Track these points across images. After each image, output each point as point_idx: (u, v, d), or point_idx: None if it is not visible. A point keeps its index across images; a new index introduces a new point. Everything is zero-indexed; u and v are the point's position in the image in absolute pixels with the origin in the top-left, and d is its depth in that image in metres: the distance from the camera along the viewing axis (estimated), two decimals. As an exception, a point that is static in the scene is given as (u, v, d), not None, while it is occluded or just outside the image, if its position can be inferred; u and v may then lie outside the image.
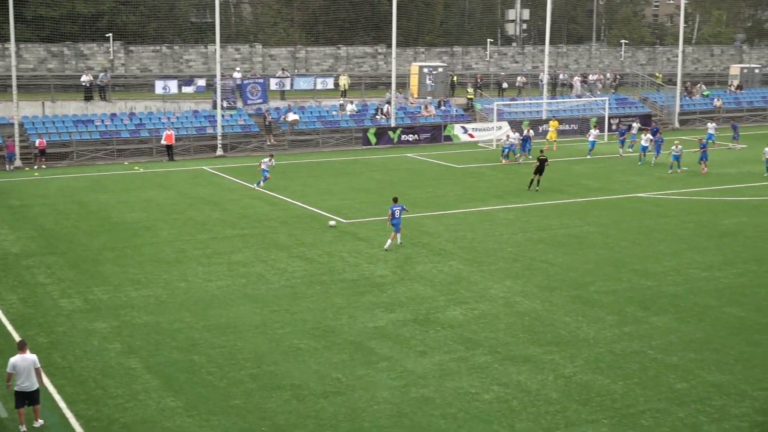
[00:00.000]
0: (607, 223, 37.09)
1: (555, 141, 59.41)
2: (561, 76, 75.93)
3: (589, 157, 55.19)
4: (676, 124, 70.53)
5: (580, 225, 36.68)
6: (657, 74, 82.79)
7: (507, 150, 53.52)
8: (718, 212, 38.98)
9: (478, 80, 73.09)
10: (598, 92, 73.73)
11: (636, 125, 59.60)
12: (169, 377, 21.00)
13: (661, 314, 25.46)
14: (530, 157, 53.30)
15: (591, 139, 56.68)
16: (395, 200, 33.38)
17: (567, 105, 69.33)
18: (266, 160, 45.42)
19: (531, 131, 56.89)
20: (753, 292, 27.51)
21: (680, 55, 73.30)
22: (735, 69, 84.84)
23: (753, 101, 77.51)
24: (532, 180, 44.17)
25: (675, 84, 73.44)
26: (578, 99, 70.35)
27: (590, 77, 76.22)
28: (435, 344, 23.10)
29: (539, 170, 43.91)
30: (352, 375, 21.12)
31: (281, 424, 18.67)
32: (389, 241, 32.90)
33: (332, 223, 36.54)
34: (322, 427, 18.54)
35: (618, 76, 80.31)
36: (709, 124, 59.90)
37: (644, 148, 52.97)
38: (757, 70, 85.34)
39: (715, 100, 75.17)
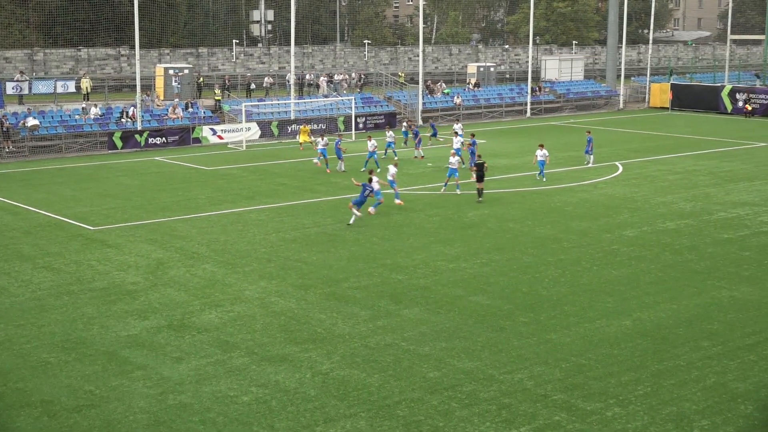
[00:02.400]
0: (358, 219, 37.77)
1: (302, 143, 58.68)
2: (307, 77, 76.72)
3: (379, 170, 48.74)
4: (420, 122, 72.72)
5: (332, 223, 37.17)
6: (400, 73, 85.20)
7: (326, 156, 49.43)
8: (461, 205, 40.54)
9: (226, 81, 72.65)
10: (344, 92, 74.99)
11: (457, 125, 55.95)
12: None
13: (412, 306, 26.22)
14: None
15: (370, 150, 49.19)
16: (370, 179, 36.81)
17: (314, 105, 70.08)
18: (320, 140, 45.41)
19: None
20: (496, 281, 28.85)
21: (421, 54, 75.76)
22: (472, 67, 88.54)
23: (490, 98, 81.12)
24: (480, 190, 41.21)
25: (417, 83, 75.79)
26: (325, 99, 71.27)
27: (336, 77, 77.43)
28: (191, 349, 22.78)
29: (480, 177, 41.00)
30: (105, 386, 20.48)
31: (31, 443, 17.85)
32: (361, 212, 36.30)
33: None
34: (75, 443, 17.88)
35: (363, 76, 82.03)
36: (456, 125, 57.30)
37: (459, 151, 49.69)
38: (492, 68, 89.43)
39: (455, 97, 78.16)
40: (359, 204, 36.56)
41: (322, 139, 50.53)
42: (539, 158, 46.32)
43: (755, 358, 22.21)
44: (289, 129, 65.62)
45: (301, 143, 58.24)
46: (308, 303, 26.58)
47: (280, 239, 34.40)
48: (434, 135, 60.82)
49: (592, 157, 51.28)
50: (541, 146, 46.62)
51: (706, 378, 20.95)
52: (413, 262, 31.10)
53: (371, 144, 50.07)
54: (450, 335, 23.82)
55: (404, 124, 62.12)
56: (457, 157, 43.92)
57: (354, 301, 26.72)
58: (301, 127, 61.18)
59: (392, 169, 41.00)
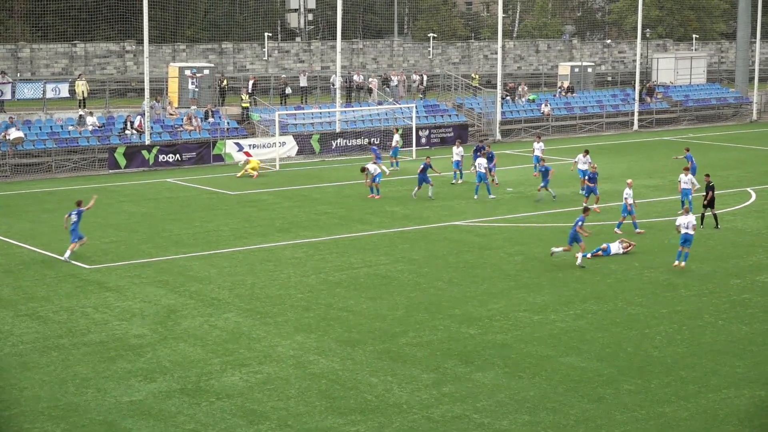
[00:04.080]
0: (419, 259, 37.78)
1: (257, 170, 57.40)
2: (357, 79, 77.05)
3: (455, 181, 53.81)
4: (498, 136, 72.70)
5: (386, 262, 37.24)
6: (473, 75, 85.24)
7: (378, 180, 50.07)
8: (550, 242, 40.31)
9: (250, 84, 73.18)
10: (403, 98, 75.16)
11: (538, 144, 56.49)
12: None
13: (486, 369, 26.11)
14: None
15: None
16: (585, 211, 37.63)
17: (365, 114, 70.32)
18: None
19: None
20: (593, 338, 28.64)
21: (500, 51, 75.78)
22: (564, 68, 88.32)
23: (586, 106, 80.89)
24: (704, 215, 42.51)
25: (495, 87, 75.79)
26: (379, 107, 71.51)
27: (393, 79, 77.62)
28: (209, 420, 22.88)
29: (711, 202, 42.36)
30: (102, 465, 20.64)
31: None
32: (560, 249, 37.30)
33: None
34: None
35: (426, 78, 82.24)
36: (536, 144, 57.07)
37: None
38: (590, 69, 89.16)
39: (543, 105, 78.03)
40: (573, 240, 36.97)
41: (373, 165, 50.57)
42: (683, 185, 44.88)
43: None
44: (334, 144, 65.97)
45: (252, 170, 57.53)
46: (356, 363, 26.59)
47: (321, 282, 34.51)
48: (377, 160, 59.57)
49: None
50: (687, 170, 45.33)
51: None
52: (488, 312, 31.00)
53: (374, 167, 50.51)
54: (535, 406, 23.68)
55: (396, 136, 61.41)
56: (630, 190, 42.44)
57: (413, 362, 26.67)
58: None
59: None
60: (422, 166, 49.54)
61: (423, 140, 68.72)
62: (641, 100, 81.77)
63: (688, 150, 52.35)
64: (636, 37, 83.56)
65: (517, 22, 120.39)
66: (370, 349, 27.69)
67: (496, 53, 78.30)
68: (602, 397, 24.26)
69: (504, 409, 23.50)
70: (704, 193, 42.68)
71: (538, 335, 28.86)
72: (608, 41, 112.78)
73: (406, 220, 44.65)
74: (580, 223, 36.55)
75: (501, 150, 64.99)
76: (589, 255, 37.49)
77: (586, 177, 47.22)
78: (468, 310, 31.16)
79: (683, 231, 36.14)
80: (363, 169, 49.91)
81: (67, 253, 37.44)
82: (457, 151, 54.26)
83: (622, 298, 32.56)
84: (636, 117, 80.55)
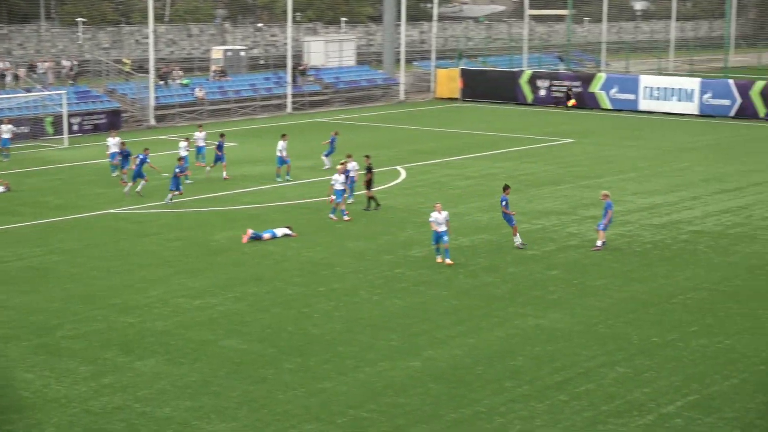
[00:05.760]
0: (74, 249, 37.02)
1: None
2: (2, 65, 74.60)
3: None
4: (152, 121, 71.94)
5: (40, 254, 36.29)
6: (125, 60, 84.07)
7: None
8: (209, 226, 40.39)
9: None
10: (52, 84, 73.30)
11: (200, 134, 54.03)
12: None
13: (147, 357, 25.89)
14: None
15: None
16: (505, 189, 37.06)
17: (13, 102, 68.03)
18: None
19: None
20: (254, 319, 28.88)
21: (151, 36, 74.97)
22: (217, 52, 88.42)
23: (240, 90, 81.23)
24: (371, 198, 43.39)
25: (147, 71, 74.97)
26: (27, 94, 69.40)
27: (40, 66, 75.65)
28: None
29: (369, 183, 43.33)
30: None
31: None
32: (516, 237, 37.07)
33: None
34: None
35: (77, 64, 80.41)
36: (197, 134, 54.16)
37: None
38: (243, 53, 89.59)
39: (197, 90, 77.77)
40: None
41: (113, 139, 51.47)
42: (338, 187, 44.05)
43: (566, 398, 23.21)
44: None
45: None
46: (9, 360, 25.78)
47: (-30, 278, 33.29)
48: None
49: (327, 159, 52.03)
50: (349, 157, 44.60)
51: (511, 426, 21.70)
52: (147, 300, 30.72)
53: (182, 145, 50.47)
54: (196, 391, 23.64)
55: (2, 127, 58.37)
56: (344, 176, 41.80)
57: (71, 354, 26.12)
58: None
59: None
60: (140, 159, 46.92)
61: (75, 128, 67.03)
62: (294, 81, 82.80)
63: (336, 133, 53.24)
64: (287, 21, 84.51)
65: (168, 5, 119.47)
66: (24, 344, 26.91)
67: (148, 38, 77.42)
68: (264, 377, 24.50)
69: (165, 396, 23.36)
70: (365, 173, 43.60)
71: (199, 320, 28.86)
72: (260, 25, 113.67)
73: (60, 210, 43.56)
74: (503, 203, 36.58)
75: (156, 135, 64.50)
76: (249, 233, 37.71)
77: (216, 144, 50.56)
78: (126, 299, 30.78)
79: (436, 228, 34.41)
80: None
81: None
82: (113, 142, 52.65)
83: (281, 279, 32.98)
84: (289, 99, 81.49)
